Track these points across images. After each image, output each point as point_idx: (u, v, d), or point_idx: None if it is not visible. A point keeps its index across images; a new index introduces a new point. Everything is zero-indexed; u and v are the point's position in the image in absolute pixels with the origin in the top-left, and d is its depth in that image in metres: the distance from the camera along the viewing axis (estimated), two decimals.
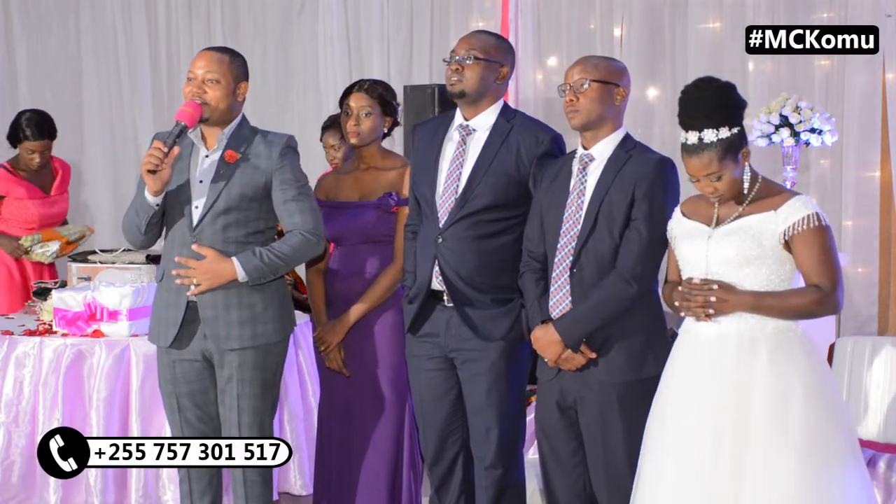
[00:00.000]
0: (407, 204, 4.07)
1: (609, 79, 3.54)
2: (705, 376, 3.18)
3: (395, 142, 7.02)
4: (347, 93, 4.27)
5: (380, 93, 4.23)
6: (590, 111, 3.52)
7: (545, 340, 3.52)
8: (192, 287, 3.65)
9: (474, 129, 3.80)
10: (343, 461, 4.32)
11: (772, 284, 3.16)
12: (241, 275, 3.62)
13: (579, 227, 3.51)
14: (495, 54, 3.78)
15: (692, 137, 3.16)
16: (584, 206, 3.52)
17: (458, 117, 3.84)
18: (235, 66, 3.72)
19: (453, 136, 3.83)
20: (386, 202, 4.16)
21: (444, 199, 3.77)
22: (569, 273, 3.51)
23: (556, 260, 3.55)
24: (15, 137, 5.76)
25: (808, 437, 3.07)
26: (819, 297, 3.12)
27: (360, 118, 4.21)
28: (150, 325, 3.87)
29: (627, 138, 3.59)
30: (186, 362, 3.76)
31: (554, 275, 3.55)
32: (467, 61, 3.74)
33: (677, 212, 3.36)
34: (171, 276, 3.72)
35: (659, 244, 3.45)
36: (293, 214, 3.68)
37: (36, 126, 5.74)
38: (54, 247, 5.39)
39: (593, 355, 3.49)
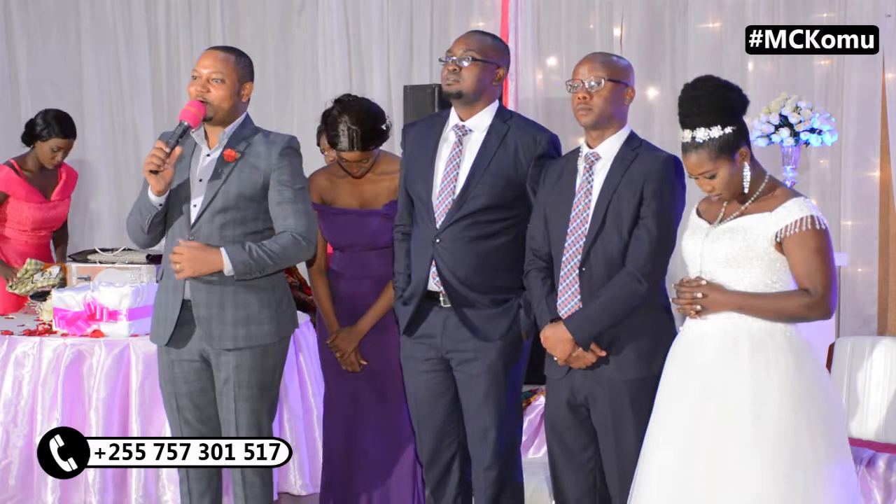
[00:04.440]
0: None
1: (622, 78, 3.55)
2: (690, 373, 3.20)
3: (395, 142, 7.03)
4: (336, 145, 4.18)
5: (372, 140, 4.18)
6: (602, 110, 3.52)
7: (555, 339, 3.52)
8: (181, 274, 3.61)
9: (471, 130, 3.79)
10: (354, 460, 4.33)
11: (763, 285, 3.16)
12: (227, 266, 3.58)
13: (587, 225, 3.51)
14: (492, 55, 3.76)
15: (687, 136, 3.18)
16: (592, 205, 3.52)
17: (454, 117, 3.83)
18: (241, 66, 3.71)
19: (449, 136, 3.82)
20: (393, 212, 4.17)
21: (441, 199, 3.76)
22: (577, 272, 3.52)
23: (563, 259, 3.55)
24: (36, 135, 5.69)
25: (782, 437, 3.06)
26: (808, 301, 3.11)
27: (361, 165, 4.22)
28: (151, 324, 3.88)
29: (633, 136, 3.59)
30: (185, 362, 3.76)
31: (562, 274, 3.55)
32: (464, 62, 3.73)
33: (694, 209, 3.38)
34: (170, 275, 3.72)
35: (668, 242, 3.47)
36: (287, 217, 3.66)
37: (62, 123, 5.71)
38: (56, 269, 5.31)
39: (603, 353, 3.49)
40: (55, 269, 5.27)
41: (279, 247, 3.63)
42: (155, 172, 3.55)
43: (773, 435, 3.07)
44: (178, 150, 3.57)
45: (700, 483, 3.11)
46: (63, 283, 5.25)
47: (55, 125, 5.69)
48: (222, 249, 3.59)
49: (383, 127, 4.22)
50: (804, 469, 3.07)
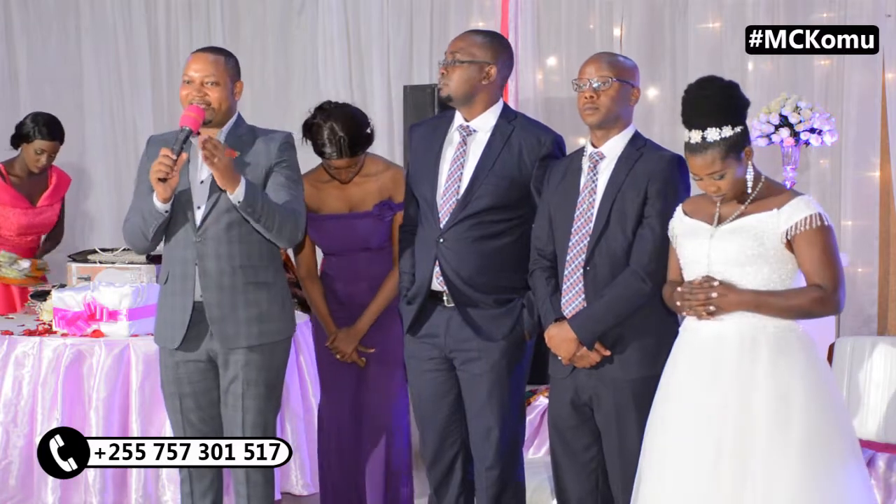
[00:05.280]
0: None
1: (628, 78, 3.55)
2: (706, 375, 3.19)
3: (395, 142, 7.03)
4: (323, 154, 4.18)
5: (359, 146, 4.17)
6: (609, 110, 3.52)
7: (560, 338, 3.52)
8: (207, 157, 3.49)
9: (475, 130, 3.79)
10: (354, 460, 4.34)
11: (772, 284, 3.16)
12: (240, 189, 3.52)
13: (591, 224, 3.52)
14: (479, 55, 3.75)
15: (695, 136, 3.17)
16: (596, 204, 3.52)
17: (458, 118, 3.83)
18: (230, 65, 3.73)
19: (453, 136, 3.82)
20: (385, 212, 4.16)
21: (445, 199, 3.77)
22: (582, 271, 3.52)
23: (567, 258, 3.55)
24: (22, 136, 5.64)
25: (808, 437, 3.08)
26: (820, 296, 3.13)
27: (349, 171, 4.22)
28: (155, 328, 3.87)
29: (637, 136, 3.59)
30: (191, 363, 3.76)
31: (566, 273, 3.55)
32: (451, 64, 3.73)
33: (679, 210, 3.37)
34: (176, 278, 3.72)
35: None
36: (280, 200, 3.64)
37: (49, 125, 5.66)
38: (25, 263, 5.26)
39: (607, 353, 3.50)
40: (25, 262, 5.21)
41: (283, 211, 3.61)
42: (163, 180, 3.54)
43: (802, 435, 3.07)
44: (184, 156, 3.56)
45: (726, 484, 3.10)
46: (37, 278, 5.15)
47: (42, 127, 5.63)
48: (242, 177, 3.55)
49: (368, 131, 4.22)
50: (834, 466, 3.08)
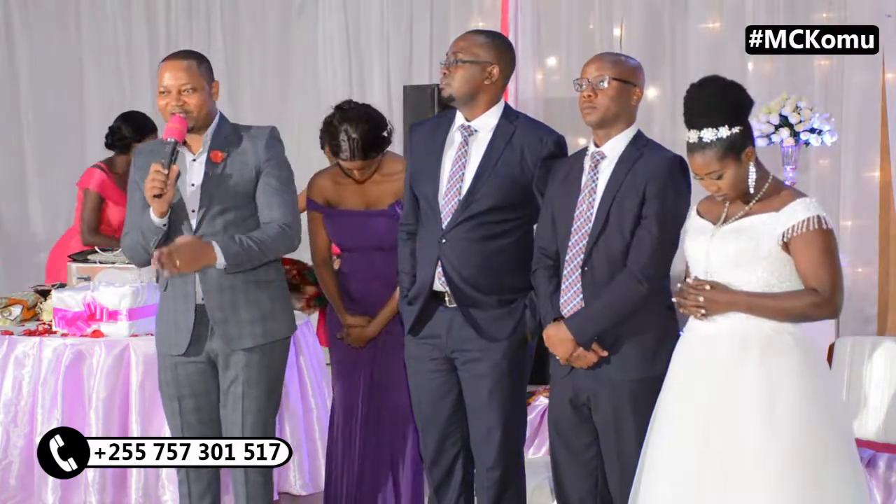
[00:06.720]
0: None
1: (628, 78, 3.54)
2: (699, 375, 3.19)
3: (395, 142, 7.02)
4: (337, 154, 4.20)
5: (373, 149, 4.19)
6: (607, 109, 3.51)
7: (557, 338, 3.52)
8: (168, 271, 3.55)
9: (476, 130, 3.79)
10: (365, 463, 4.34)
11: (769, 286, 3.15)
12: (220, 260, 3.57)
13: (590, 224, 3.51)
14: (482, 54, 3.74)
15: (693, 136, 3.17)
16: (596, 204, 3.52)
17: (459, 118, 3.82)
18: (203, 68, 3.74)
19: (455, 137, 3.82)
20: (398, 213, 4.17)
21: (447, 200, 3.76)
22: (580, 271, 3.51)
23: (567, 258, 3.54)
24: (135, 138, 5.71)
25: (796, 438, 3.06)
26: (815, 300, 3.11)
27: (364, 172, 4.24)
28: (156, 333, 3.86)
29: (639, 136, 3.58)
30: (190, 364, 3.75)
31: (565, 272, 3.55)
32: (453, 64, 3.73)
33: (693, 209, 3.37)
34: (176, 284, 3.72)
35: (670, 243, 3.46)
36: (272, 207, 3.67)
37: (145, 117, 5.85)
38: (17, 311, 5.26)
39: (605, 353, 3.49)
40: (16, 309, 5.18)
41: (268, 238, 3.64)
42: (158, 196, 3.55)
43: (788, 434, 3.06)
44: (175, 168, 3.57)
45: (714, 485, 3.10)
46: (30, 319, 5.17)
47: (146, 122, 5.79)
48: (214, 243, 3.58)
49: (384, 134, 4.23)
50: (823, 468, 3.07)
